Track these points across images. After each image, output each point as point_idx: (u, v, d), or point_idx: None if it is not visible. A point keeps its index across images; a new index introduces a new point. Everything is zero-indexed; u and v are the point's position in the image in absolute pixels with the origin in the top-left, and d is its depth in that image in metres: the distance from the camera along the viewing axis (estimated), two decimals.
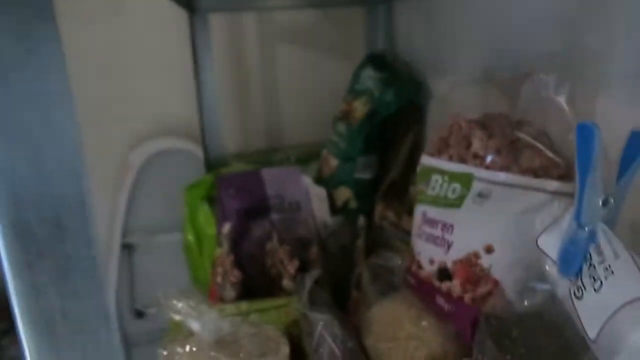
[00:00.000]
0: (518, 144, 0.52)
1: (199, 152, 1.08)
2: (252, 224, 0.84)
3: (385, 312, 0.58)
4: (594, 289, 0.34)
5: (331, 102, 1.02)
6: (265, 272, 0.77)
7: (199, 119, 1.01)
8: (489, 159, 0.52)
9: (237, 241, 0.82)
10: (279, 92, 1.19)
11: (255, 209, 0.86)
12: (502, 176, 0.50)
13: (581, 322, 0.35)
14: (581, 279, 0.37)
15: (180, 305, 0.48)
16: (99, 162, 1.12)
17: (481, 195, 0.51)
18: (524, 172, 0.49)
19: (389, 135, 0.91)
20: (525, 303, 0.43)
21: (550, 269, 0.41)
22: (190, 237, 0.95)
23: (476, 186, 0.52)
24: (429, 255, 0.55)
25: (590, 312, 0.34)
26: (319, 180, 0.94)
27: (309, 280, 0.57)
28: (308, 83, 1.19)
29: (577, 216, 0.38)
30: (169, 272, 1.09)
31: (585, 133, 0.36)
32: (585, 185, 0.37)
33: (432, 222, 0.55)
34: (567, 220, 0.40)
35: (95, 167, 1.12)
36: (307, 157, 1.12)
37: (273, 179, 0.88)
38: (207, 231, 0.95)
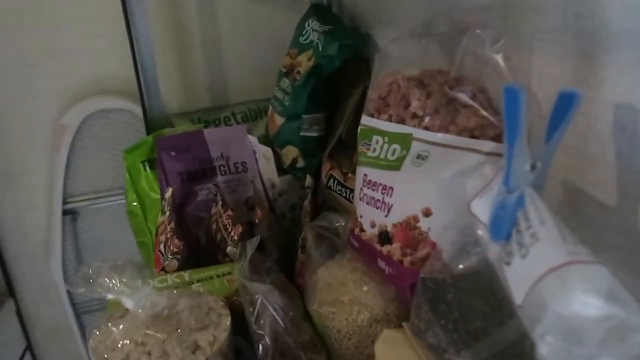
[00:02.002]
0: (455, 102, 0.50)
1: (139, 111, 1.03)
2: (196, 187, 0.82)
3: (330, 275, 0.58)
4: (521, 255, 0.34)
5: (278, 56, 0.97)
6: (211, 238, 0.75)
7: (135, 76, 0.95)
8: (427, 119, 0.51)
9: (181, 206, 0.79)
10: (221, 45, 1.13)
11: (199, 171, 0.83)
12: (439, 137, 0.49)
13: (509, 288, 0.35)
14: (510, 245, 0.36)
15: (110, 282, 0.46)
16: (33, 123, 1.06)
17: (420, 157, 0.50)
18: (461, 132, 0.48)
19: (335, 90, 0.89)
20: (460, 266, 0.43)
21: (483, 233, 0.40)
22: (134, 202, 0.92)
23: (415, 147, 0.51)
24: (370, 218, 0.55)
25: (517, 278, 0.34)
26: (266, 139, 0.92)
27: (250, 248, 0.56)
28: (253, 35, 1.13)
29: (506, 180, 0.37)
30: (117, 237, 1.06)
31: (512, 96, 0.34)
32: (514, 150, 0.36)
33: (372, 185, 0.54)
34: (497, 184, 0.39)
35: (29, 129, 1.06)
36: (254, 115, 1.09)
37: (217, 139, 0.85)
38: (151, 195, 0.92)
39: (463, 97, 0.48)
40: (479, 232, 0.40)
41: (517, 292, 0.34)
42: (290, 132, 0.87)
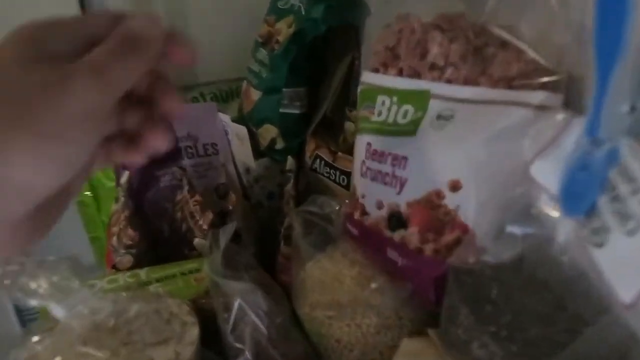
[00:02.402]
0: (485, 50, 0.40)
1: None
2: (158, 172, 0.69)
3: (322, 271, 0.47)
4: (626, 232, 0.24)
5: (253, 32, 0.85)
6: (175, 229, 0.63)
7: None
8: (449, 70, 0.40)
9: (139, 193, 0.67)
10: (189, 19, 1.01)
11: (162, 153, 0.70)
12: (468, 91, 0.39)
13: (606, 279, 0.25)
14: (600, 218, 0.26)
15: (35, 284, 0.34)
16: None
17: (442, 117, 0.39)
18: (496, 83, 0.38)
19: (319, 62, 0.78)
20: (506, 254, 0.32)
21: (546, 206, 0.30)
22: (85, 191, 0.79)
23: (434, 106, 0.40)
24: (376, 197, 0.43)
25: (622, 264, 0.24)
26: (240, 118, 0.80)
27: (223, 237, 0.44)
28: (224, 8, 1.01)
29: (591, 129, 0.27)
30: (69, 231, 0.92)
31: (614, 5, 0.24)
32: (607, 85, 0.25)
33: (379, 155, 0.43)
34: (571, 138, 0.29)
35: None
36: (225, 96, 0.97)
37: (183, 117, 0.72)
38: (105, 184, 0.79)
39: (499, 36, 0.38)
40: (541, 204, 0.30)
41: (622, 285, 0.23)
42: (268, 108, 0.75)
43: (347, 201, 0.49)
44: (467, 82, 0.39)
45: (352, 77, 0.77)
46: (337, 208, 0.52)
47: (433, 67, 0.41)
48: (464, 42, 0.40)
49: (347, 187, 0.62)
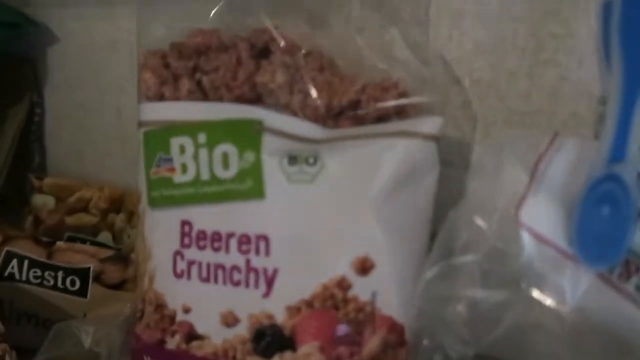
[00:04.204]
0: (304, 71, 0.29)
1: None
2: None
3: None
4: None
5: None
6: None
7: None
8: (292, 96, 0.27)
9: None
10: None
11: None
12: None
13: None
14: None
15: None
16: None
17: (296, 161, 0.26)
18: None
19: None
20: (488, 336, 0.22)
21: (543, 259, 0.21)
22: None
23: (276, 145, 0.26)
24: (218, 308, 0.26)
25: None
26: None
27: None
28: None
29: (616, 152, 0.20)
30: None
31: None
32: (635, 102, 0.19)
33: (212, 239, 0.26)
34: (561, 166, 0.21)
35: None
36: None
37: None
38: None
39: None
40: (533, 259, 0.21)
41: None
42: None
43: (139, 323, 0.29)
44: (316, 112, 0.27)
45: (31, 129, 0.53)
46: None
47: (264, 86, 0.27)
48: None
49: (83, 294, 0.40)
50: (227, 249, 0.26)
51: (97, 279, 0.40)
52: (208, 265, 0.26)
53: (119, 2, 0.46)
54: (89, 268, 0.40)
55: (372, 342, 0.25)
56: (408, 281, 0.25)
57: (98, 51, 0.48)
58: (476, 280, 0.23)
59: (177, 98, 0.27)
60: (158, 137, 0.27)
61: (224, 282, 0.26)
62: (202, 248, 0.26)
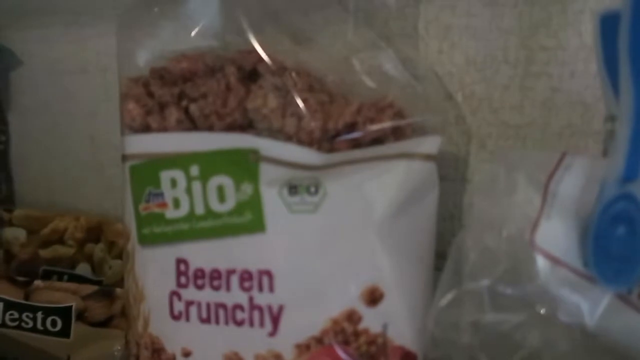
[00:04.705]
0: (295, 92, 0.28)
1: None
2: None
3: None
4: None
5: None
6: None
7: None
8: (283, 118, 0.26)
9: None
10: None
11: None
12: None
13: None
14: None
15: None
16: None
17: (297, 190, 0.25)
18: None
19: None
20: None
21: (560, 281, 0.21)
22: None
23: (274, 175, 0.25)
24: (221, 350, 0.25)
25: None
26: None
27: None
28: None
29: (630, 171, 0.19)
30: None
31: None
32: None
33: (212, 277, 0.25)
34: (572, 183, 0.21)
35: None
36: None
37: None
38: None
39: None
40: (550, 283, 0.21)
41: None
42: None
43: None
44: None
45: None
46: None
47: (257, 112, 0.26)
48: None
49: (65, 334, 0.38)
50: (228, 287, 0.24)
51: (80, 317, 0.37)
52: (208, 305, 0.25)
53: (88, 24, 0.44)
54: (71, 307, 0.37)
55: None
56: (418, 307, 0.25)
57: (66, 74, 0.46)
58: (489, 305, 0.23)
59: (164, 128, 0.26)
60: (146, 171, 0.26)
61: (226, 322, 0.24)
62: (200, 287, 0.25)
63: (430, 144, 0.26)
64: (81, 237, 0.46)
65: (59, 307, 0.37)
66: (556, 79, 0.28)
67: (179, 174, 0.25)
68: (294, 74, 0.27)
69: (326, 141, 0.26)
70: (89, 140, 0.46)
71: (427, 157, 0.26)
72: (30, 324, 0.38)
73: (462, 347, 0.23)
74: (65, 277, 0.44)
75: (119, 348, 0.37)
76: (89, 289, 0.38)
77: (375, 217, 0.24)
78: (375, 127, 0.26)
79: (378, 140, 0.27)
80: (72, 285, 0.39)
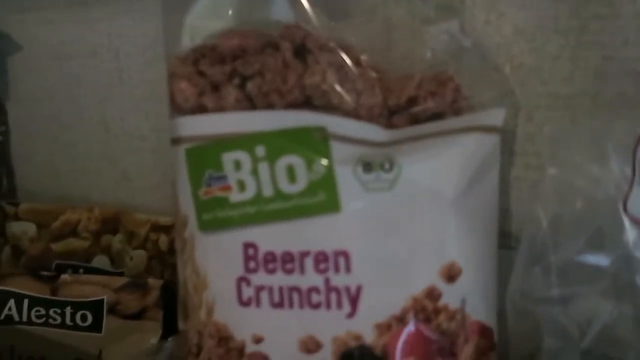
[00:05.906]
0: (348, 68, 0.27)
1: None
2: None
3: None
4: None
5: None
6: None
7: None
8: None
9: None
10: None
11: None
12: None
13: None
14: None
15: None
16: None
17: (371, 168, 0.24)
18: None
19: None
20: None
21: None
22: None
23: (346, 152, 0.24)
24: (295, 335, 0.24)
25: None
26: None
27: None
28: None
29: None
30: None
31: None
32: None
33: (283, 261, 0.24)
34: None
35: None
36: None
37: None
38: None
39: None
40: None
41: None
42: None
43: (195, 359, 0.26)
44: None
45: None
46: None
47: (323, 92, 0.25)
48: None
49: (97, 328, 0.36)
50: (302, 270, 0.23)
51: (112, 310, 0.36)
52: (280, 289, 0.24)
53: (96, 3, 0.41)
54: (103, 300, 0.36)
55: (467, 351, 0.23)
56: (491, 281, 0.24)
57: (72, 59, 0.44)
58: (571, 275, 0.23)
59: (221, 108, 0.25)
60: (205, 154, 0.25)
61: (301, 306, 0.24)
62: (271, 271, 0.24)
63: (494, 116, 0.26)
64: (96, 229, 0.44)
65: (90, 301, 0.36)
66: (609, 47, 0.28)
67: (243, 156, 0.24)
68: (343, 49, 0.26)
69: (384, 117, 0.26)
70: (101, 128, 0.44)
71: (492, 130, 0.26)
72: (59, 320, 0.36)
73: (547, 320, 0.22)
74: (81, 270, 0.43)
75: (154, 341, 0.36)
76: (120, 280, 0.36)
77: (448, 192, 0.24)
78: (436, 100, 0.25)
79: (437, 115, 0.26)
80: (102, 278, 0.37)
